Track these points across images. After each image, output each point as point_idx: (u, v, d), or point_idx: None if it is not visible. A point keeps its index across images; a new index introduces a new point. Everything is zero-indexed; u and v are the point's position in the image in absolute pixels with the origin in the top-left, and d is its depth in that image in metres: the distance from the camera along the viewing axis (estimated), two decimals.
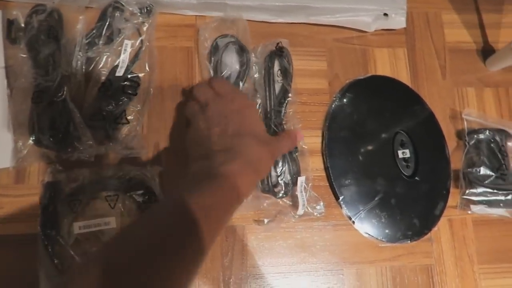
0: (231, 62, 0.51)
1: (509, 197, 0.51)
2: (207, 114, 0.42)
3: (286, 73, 0.52)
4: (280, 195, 0.48)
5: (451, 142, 0.56)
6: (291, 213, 0.48)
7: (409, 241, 0.51)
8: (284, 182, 0.49)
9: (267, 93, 0.50)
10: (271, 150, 0.42)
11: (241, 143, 0.40)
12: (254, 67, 0.52)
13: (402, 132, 0.54)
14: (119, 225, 0.46)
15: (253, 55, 0.53)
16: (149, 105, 0.51)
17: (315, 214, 0.49)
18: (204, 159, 0.40)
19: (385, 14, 0.56)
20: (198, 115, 0.43)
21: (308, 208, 0.49)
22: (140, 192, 0.47)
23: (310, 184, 0.50)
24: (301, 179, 0.47)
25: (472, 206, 0.52)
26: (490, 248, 0.53)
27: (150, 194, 0.47)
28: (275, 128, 0.49)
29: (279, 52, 0.51)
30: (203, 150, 0.41)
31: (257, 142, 0.41)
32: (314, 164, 0.53)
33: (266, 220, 0.49)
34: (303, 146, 0.52)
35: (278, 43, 0.51)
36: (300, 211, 0.47)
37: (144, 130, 0.50)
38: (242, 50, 0.51)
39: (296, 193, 0.47)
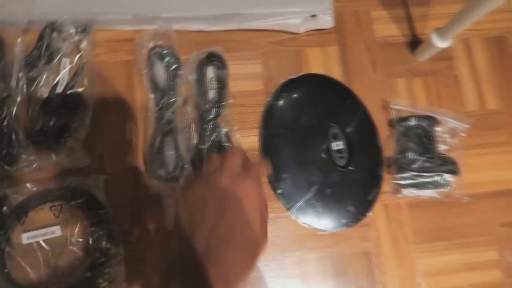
0: (163, 73, 0.54)
1: (435, 178, 0.54)
2: (210, 188, 0.37)
3: (220, 79, 0.55)
4: None
5: (384, 131, 0.59)
6: None
7: (345, 228, 0.54)
8: None
9: (201, 100, 0.53)
10: (257, 254, 0.37)
11: (233, 254, 0.35)
12: (189, 76, 0.55)
13: (335, 125, 0.57)
14: (64, 233, 0.49)
15: (188, 63, 0.56)
16: (91, 117, 0.54)
17: None
18: (188, 249, 0.34)
19: (313, 15, 0.59)
20: (199, 183, 0.39)
21: None
22: (84, 199, 0.50)
23: None
24: None
25: (402, 190, 0.55)
26: (425, 228, 0.56)
27: (94, 201, 0.50)
28: (210, 132, 0.52)
29: (210, 60, 0.54)
30: (191, 232, 0.35)
31: (245, 252, 0.36)
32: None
33: None
34: (239, 141, 0.55)
35: (208, 52, 0.54)
36: None
37: (88, 142, 0.53)
38: (174, 61, 0.54)
39: None
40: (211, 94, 0.54)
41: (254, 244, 0.37)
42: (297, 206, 0.53)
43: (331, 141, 0.56)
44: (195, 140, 0.53)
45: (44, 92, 0.52)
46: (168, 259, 0.37)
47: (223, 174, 0.38)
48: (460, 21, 0.51)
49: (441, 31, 0.55)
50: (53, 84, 0.52)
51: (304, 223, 0.53)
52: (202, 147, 0.52)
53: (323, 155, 0.55)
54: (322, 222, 0.54)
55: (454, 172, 0.54)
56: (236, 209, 0.36)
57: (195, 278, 0.33)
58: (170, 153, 0.51)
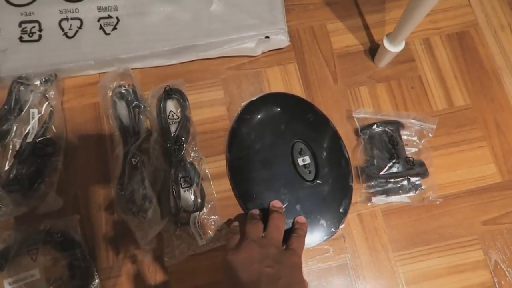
0: (125, 111, 0.56)
1: (403, 183, 0.53)
2: (263, 251, 0.44)
3: (181, 112, 0.57)
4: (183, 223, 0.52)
5: (351, 142, 0.59)
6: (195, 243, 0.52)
7: (320, 242, 0.53)
8: (188, 211, 0.53)
9: (163, 135, 0.55)
10: None
11: None
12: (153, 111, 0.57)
13: (300, 140, 0.57)
14: (43, 275, 0.51)
15: (150, 99, 0.58)
16: (63, 161, 0.56)
17: (222, 241, 0.53)
18: None
19: (267, 37, 0.60)
20: (254, 248, 0.44)
21: (214, 235, 0.53)
22: (59, 240, 0.52)
23: (210, 210, 0.54)
24: (194, 215, 0.51)
25: (372, 198, 0.54)
26: (403, 235, 0.55)
27: (69, 241, 0.52)
28: (177, 164, 0.54)
29: (168, 95, 0.56)
30: (253, 275, 0.41)
31: None
32: (223, 186, 0.57)
33: (178, 252, 0.52)
34: (206, 171, 0.56)
35: (165, 87, 0.56)
36: (201, 241, 0.51)
37: (62, 185, 0.55)
38: (134, 98, 0.56)
39: (192, 226, 0.51)
40: (173, 128, 0.56)
41: None
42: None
43: (297, 157, 0.56)
44: (162, 174, 0.54)
45: (16, 142, 0.55)
46: None
47: (271, 244, 0.45)
48: (404, 24, 0.51)
49: (391, 36, 0.56)
50: (24, 134, 0.55)
51: None
52: (170, 181, 0.53)
53: (291, 172, 0.56)
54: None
55: (422, 174, 0.54)
56: (291, 267, 0.43)
57: None
58: (137, 188, 0.53)
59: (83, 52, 0.60)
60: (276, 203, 0.52)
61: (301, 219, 0.52)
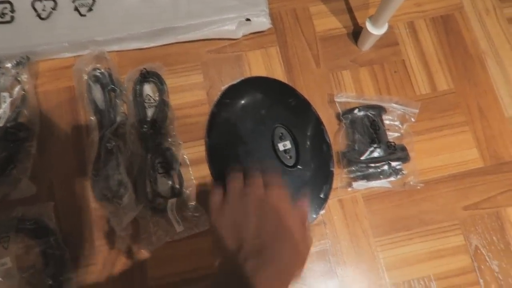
0: (101, 95, 0.54)
1: (385, 167, 0.53)
2: (249, 200, 0.42)
3: (159, 95, 0.55)
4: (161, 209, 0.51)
5: (333, 126, 0.58)
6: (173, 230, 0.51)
7: None
8: (165, 197, 0.52)
9: (140, 119, 0.53)
10: (305, 251, 0.41)
11: (284, 246, 0.39)
12: (127, 95, 0.55)
13: (281, 125, 0.56)
14: (14, 263, 0.49)
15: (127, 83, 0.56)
16: (37, 147, 0.55)
17: (200, 228, 0.51)
18: (235, 257, 0.38)
19: (248, 19, 0.59)
20: (239, 198, 0.43)
21: (192, 221, 0.52)
22: (32, 228, 0.50)
23: (188, 196, 0.52)
24: (171, 201, 0.50)
25: (353, 183, 0.53)
26: (384, 220, 0.54)
27: (43, 228, 0.51)
28: (154, 149, 0.52)
29: (145, 78, 0.54)
30: (235, 242, 0.39)
31: (292, 246, 0.39)
32: (202, 172, 0.55)
33: (155, 239, 0.51)
34: (184, 156, 0.55)
35: (142, 70, 0.54)
36: (178, 228, 0.50)
37: (36, 171, 0.54)
38: (109, 82, 0.54)
39: (169, 212, 0.50)
40: (149, 112, 0.54)
41: (302, 243, 0.40)
42: None
43: (277, 142, 0.55)
44: (138, 159, 0.53)
45: None
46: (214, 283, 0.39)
47: (253, 188, 0.43)
48: (386, 6, 0.50)
49: (374, 19, 0.54)
50: None
51: None
52: (146, 166, 0.52)
53: (271, 157, 0.55)
54: None
55: (404, 159, 0.53)
56: (276, 212, 0.41)
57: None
58: (112, 173, 0.51)
59: (57, 34, 0.58)
60: None
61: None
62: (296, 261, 0.39)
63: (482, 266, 0.53)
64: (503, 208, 0.55)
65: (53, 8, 0.58)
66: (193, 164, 0.56)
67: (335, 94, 0.58)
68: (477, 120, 0.58)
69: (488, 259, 0.53)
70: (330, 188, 0.54)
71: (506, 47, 0.62)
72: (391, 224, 0.54)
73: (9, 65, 0.54)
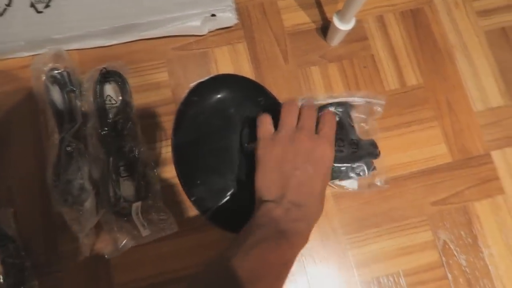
0: (60, 96, 0.52)
1: (351, 167, 0.52)
2: (299, 149, 0.43)
3: (121, 95, 0.53)
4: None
5: None
6: (139, 234, 0.49)
7: None
8: (130, 201, 0.50)
9: (100, 120, 0.51)
10: (321, 205, 0.44)
11: (314, 204, 0.42)
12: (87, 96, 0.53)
13: (250, 125, 0.55)
14: None
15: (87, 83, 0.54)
16: None
17: (167, 231, 0.50)
18: (276, 203, 0.41)
19: (213, 15, 0.57)
20: (290, 141, 0.44)
21: (158, 225, 0.50)
22: None
23: (154, 199, 0.51)
24: (136, 205, 0.49)
25: None
26: (354, 218, 0.54)
27: (1, 236, 0.49)
28: (116, 152, 0.50)
29: (105, 78, 0.52)
30: (280, 189, 0.42)
31: (323, 199, 0.43)
32: (168, 173, 0.54)
33: (120, 244, 0.50)
34: (150, 158, 0.53)
35: (101, 69, 0.52)
36: (144, 232, 0.49)
37: None
38: (67, 83, 0.52)
39: (134, 217, 0.49)
40: (111, 113, 0.52)
41: (322, 197, 0.43)
42: (211, 211, 0.52)
43: (245, 141, 0.54)
44: (100, 163, 0.51)
45: None
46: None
47: (303, 136, 0.44)
48: (353, 1, 0.49)
49: (341, 14, 0.53)
50: None
51: (223, 228, 0.52)
52: (108, 170, 0.50)
53: (238, 157, 0.53)
54: (241, 225, 0.52)
55: (372, 155, 0.53)
56: (319, 171, 0.43)
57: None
58: (73, 178, 0.49)
59: (12, 32, 0.55)
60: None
61: (329, 112, 0.49)
62: (318, 217, 0.43)
63: (450, 261, 0.53)
64: (471, 202, 0.55)
65: (8, 5, 0.56)
66: (158, 166, 0.54)
67: (306, 91, 0.57)
68: (446, 115, 0.58)
69: (456, 254, 0.53)
70: None
71: (474, 41, 0.62)
72: (361, 222, 0.54)
73: None
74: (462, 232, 0.54)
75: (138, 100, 0.56)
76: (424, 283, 0.52)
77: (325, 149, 0.44)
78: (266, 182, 0.43)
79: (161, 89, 0.57)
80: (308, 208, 0.42)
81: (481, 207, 0.55)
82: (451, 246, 0.54)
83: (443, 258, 0.53)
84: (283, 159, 0.43)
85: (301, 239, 0.41)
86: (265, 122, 0.47)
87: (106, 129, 0.50)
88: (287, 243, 0.39)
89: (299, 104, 0.49)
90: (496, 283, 0.52)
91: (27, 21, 0.55)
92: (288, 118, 0.46)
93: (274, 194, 0.42)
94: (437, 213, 0.55)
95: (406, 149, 0.57)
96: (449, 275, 0.53)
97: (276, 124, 0.47)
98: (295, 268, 0.52)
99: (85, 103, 0.53)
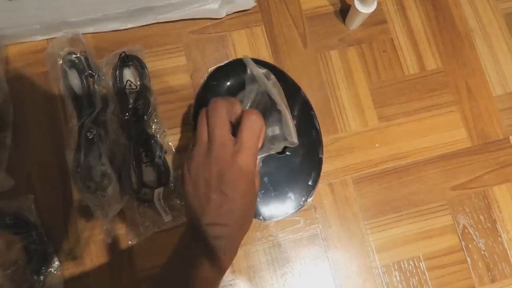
0: (78, 81, 0.51)
1: None
2: (208, 168, 0.37)
3: (140, 80, 0.53)
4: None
5: (322, 110, 0.56)
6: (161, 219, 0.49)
7: (286, 216, 0.52)
8: (151, 187, 0.50)
9: (121, 105, 0.51)
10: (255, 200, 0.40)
11: (236, 223, 0.38)
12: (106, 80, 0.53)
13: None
14: None
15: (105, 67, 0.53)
16: (12, 137, 0.52)
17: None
18: (195, 229, 0.38)
19: None
20: (200, 164, 0.37)
21: (179, 210, 0.50)
22: (12, 223, 0.48)
23: (175, 185, 0.51)
24: (157, 191, 0.48)
25: None
26: (374, 203, 0.54)
27: (24, 223, 0.49)
28: (137, 137, 0.50)
29: (124, 62, 0.51)
30: (196, 213, 0.38)
31: (246, 217, 0.39)
32: None
33: (143, 230, 0.50)
34: (169, 144, 0.53)
35: (121, 54, 0.51)
36: (166, 218, 0.48)
37: (12, 163, 0.51)
38: (86, 67, 0.51)
39: (156, 202, 0.48)
40: (131, 98, 0.51)
41: (245, 216, 0.39)
42: None
43: (266, 127, 0.53)
44: (121, 149, 0.51)
45: None
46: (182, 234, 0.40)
47: (213, 151, 0.37)
48: None
49: None
50: None
51: None
52: (130, 156, 0.50)
53: None
54: (263, 212, 0.52)
55: None
56: (230, 188, 0.37)
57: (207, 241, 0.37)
58: (94, 164, 0.49)
59: (26, 15, 0.54)
60: None
61: (253, 111, 0.39)
62: (243, 234, 0.40)
63: (470, 245, 0.53)
64: (490, 187, 0.55)
65: None
66: (178, 151, 0.54)
67: (325, 76, 0.56)
68: (465, 99, 0.58)
69: (475, 238, 0.54)
70: (318, 175, 0.53)
71: (494, 24, 0.61)
72: (381, 207, 0.54)
73: None
74: (481, 217, 0.54)
75: (156, 85, 0.55)
76: (443, 267, 0.53)
77: (241, 166, 0.36)
78: (187, 204, 0.39)
79: (179, 73, 0.56)
80: (229, 227, 0.37)
81: (500, 192, 0.55)
82: (471, 231, 0.54)
83: (463, 242, 0.54)
84: (196, 183, 0.37)
85: (223, 256, 0.38)
86: (201, 123, 0.39)
87: (127, 114, 0.50)
88: (208, 262, 0.37)
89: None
90: None
91: (41, 4, 0.54)
92: (200, 127, 0.38)
93: (194, 216, 0.38)
94: (457, 197, 0.55)
95: (426, 134, 0.56)
96: (468, 259, 0.53)
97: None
98: (316, 255, 0.52)
99: (103, 88, 0.52)
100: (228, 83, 0.55)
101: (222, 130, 0.37)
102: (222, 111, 0.38)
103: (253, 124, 0.38)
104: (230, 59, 0.57)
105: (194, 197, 0.38)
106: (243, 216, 0.38)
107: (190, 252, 0.38)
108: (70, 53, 0.51)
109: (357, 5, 0.53)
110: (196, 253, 0.37)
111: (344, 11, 0.59)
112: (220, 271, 0.38)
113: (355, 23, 0.58)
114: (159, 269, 0.39)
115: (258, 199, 0.51)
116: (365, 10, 0.53)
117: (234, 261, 0.49)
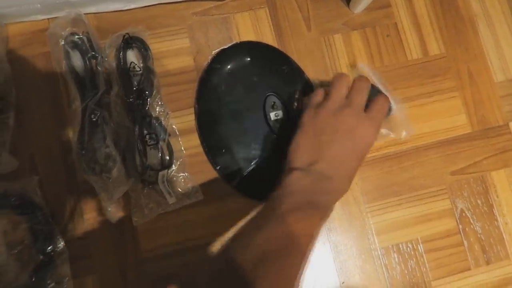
0: (81, 62, 0.51)
1: None
2: (342, 122, 0.43)
3: (143, 62, 0.52)
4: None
5: None
6: (165, 202, 0.50)
7: None
8: (155, 169, 0.50)
9: (125, 87, 0.50)
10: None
11: (343, 180, 0.43)
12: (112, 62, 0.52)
13: (273, 94, 0.54)
14: (2, 240, 0.48)
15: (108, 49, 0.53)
16: (15, 118, 0.51)
17: (192, 199, 0.51)
18: (306, 167, 0.42)
19: None
20: (329, 117, 0.44)
21: (183, 193, 0.51)
22: (17, 203, 0.48)
23: (179, 167, 0.51)
24: (162, 173, 0.49)
25: None
26: (375, 186, 0.55)
27: (28, 203, 0.49)
28: (142, 120, 0.50)
29: (128, 44, 0.51)
30: (313, 155, 0.43)
31: (352, 177, 0.44)
32: (192, 142, 0.54)
33: (147, 212, 0.50)
34: (173, 126, 0.53)
35: (124, 35, 0.51)
36: (170, 200, 0.49)
37: (15, 144, 0.51)
38: (89, 48, 0.51)
39: (160, 185, 0.49)
40: (135, 80, 0.51)
41: (352, 175, 0.44)
42: (237, 180, 0.52)
43: (269, 111, 0.54)
44: (125, 131, 0.51)
45: None
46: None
47: (349, 112, 0.44)
48: None
49: None
50: None
51: (248, 197, 0.52)
52: (134, 138, 0.50)
53: (262, 126, 0.54)
54: (267, 194, 0.52)
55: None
56: (358, 150, 0.43)
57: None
58: (98, 146, 0.49)
59: None
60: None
61: (384, 97, 0.47)
62: (344, 193, 0.44)
63: (467, 229, 0.55)
64: (488, 172, 0.56)
65: None
66: (182, 134, 0.54)
67: (329, 60, 0.56)
68: (467, 85, 0.58)
69: (472, 222, 0.55)
70: None
71: (497, 9, 0.61)
72: (381, 190, 0.55)
73: None
74: (479, 201, 0.56)
75: (159, 67, 0.55)
76: (441, 249, 0.54)
77: (368, 130, 0.43)
78: (301, 147, 0.44)
79: (182, 56, 0.56)
80: (336, 182, 0.42)
81: (498, 177, 0.56)
82: (468, 214, 0.55)
83: (460, 226, 0.55)
84: (322, 130, 0.43)
85: (327, 212, 0.42)
86: (317, 93, 0.48)
87: (131, 96, 0.49)
88: (317, 214, 0.40)
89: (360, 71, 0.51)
90: (509, 249, 0.55)
91: None
92: (337, 89, 0.45)
93: (305, 161, 0.43)
94: (456, 182, 0.56)
95: (427, 119, 0.57)
96: (465, 242, 0.55)
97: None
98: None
99: (106, 69, 0.52)
100: (232, 66, 0.55)
101: (362, 96, 0.45)
102: (366, 85, 0.46)
103: (384, 106, 0.46)
104: (234, 42, 0.57)
105: (314, 142, 0.43)
106: (349, 176, 0.43)
107: (296, 201, 0.40)
108: (72, 34, 0.51)
109: None
110: (302, 203, 0.40)
111: None
112: (320, 226, 0.40)
113: (359, 7, 0.57)
114: (257, 218, 0.41)
115: (262, 182, 0.52)
116: None
117: None
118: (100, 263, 0.51)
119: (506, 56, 0.59)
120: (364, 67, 0.54)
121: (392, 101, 0.50)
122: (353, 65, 0.57)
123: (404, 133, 0.54)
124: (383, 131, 0.53)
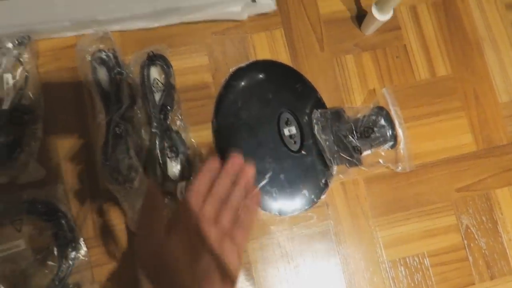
0: (107, 78, 0.54)
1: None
2: (197, 250, 0.36)
3: (165, 79, 0.55)
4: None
5: None
6: None
7: (299, 212, 0.55)
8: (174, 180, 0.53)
9: (147, 104, 0.53)
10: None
11: None
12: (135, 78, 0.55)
13: (287, 110, 0.57)
14: (28, 245, 0.50)
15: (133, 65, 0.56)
16: (43, 129, 0.54)
17: None
18: None
19: (253, 1, 0.58)
20: (184, 229, 0.37)
21: None
22: (43, 210, 0.51)
23: None
24: (180, 185, 0.51)
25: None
26: (383, 201, 0.57)
27: (54, 210, 0.52)
28: (163, 133, 0.53)
29: (151, 61, 0.54)
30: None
31: None
32: (209, 155, 0.57)
33: None
34: (192, 140, 0.56)
35: (149, 53, 0.54)
36: None
37: (43, 153, 0.54)
38: (115, 64, 0.53)
39: (179, 196, 0.51)
40: (157, 96, 0.54)
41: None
42: None
43: (283, 127, 0.57)
44: (147, 143, 0.53)
45: None
46: None
47: (210, 230, 0.36)
48: None
49: (380, 4, 0.55)
50: None
51: (261, 209, 0.55)
52: (155, 150, 0.53)
53: (276, 141, 0.56)
54: (279, 207, 0.55)
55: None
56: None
57: None
58: (122, 157, 0.52)
59: (57, 12, 0.56)
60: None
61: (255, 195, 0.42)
62: None
63: (472, 244, 0.57)
64: (493, 190, 0.58)
65: None
66: (200, 147, 0.57)
67: (341, 79, 0.59)
68: (473, 105, 0.61)
69: (477, 237, 0.57)
70: (331, 174, 0.56)
71: (503, 33, 0.64)
72: (389, 205, 0.57)
73: (10, 45, 0.53)
74: (484, 218, 0.58)
75: (179, 83, 0.57)
76: (446, 264, 0.56)
77: (232, 255, 0.37)
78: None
79: (201, 73, 0.59)
80: None
81: (502, 194, 0.58)
82: (473, 230, 0.57)
83: (465, 241, 0.57)
84: (179, 267, 0.36)
85: None
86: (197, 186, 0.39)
87: (154, 111, 0.52)
88: None
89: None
90: None
91: (71, 1, 0.56)
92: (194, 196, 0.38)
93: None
94: (461, 199, 0.58)
95: (434, 137, 0.59)
96: (470, 257, 0.57)
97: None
98: (327, 249, 0.56)
99: (130, 84, 0.55)
100: (248, 84, 0.57)
101: (228, 211, 0.40)
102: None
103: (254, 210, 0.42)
104: (251, 60, 0.59)
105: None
106: None
107: None
108: (100, 51, 0.54)
109: (374, 12, 0.56)
110: None
111: (360, 16, 0.62)
112: None
113: (370, 29, 0.60)
114: None
115: (274, 195, 0.55)
116: (382, 17, 0.56)
117: (249, 253, 0.52)
118: (121, 269, 0.53)
119: (510, 78, 0.62)
120: (386, 93, 0.55)
121: (400, 134, 0.52)
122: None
123: (399, 168, 0.56)
124: (381, 161, 0.55)
